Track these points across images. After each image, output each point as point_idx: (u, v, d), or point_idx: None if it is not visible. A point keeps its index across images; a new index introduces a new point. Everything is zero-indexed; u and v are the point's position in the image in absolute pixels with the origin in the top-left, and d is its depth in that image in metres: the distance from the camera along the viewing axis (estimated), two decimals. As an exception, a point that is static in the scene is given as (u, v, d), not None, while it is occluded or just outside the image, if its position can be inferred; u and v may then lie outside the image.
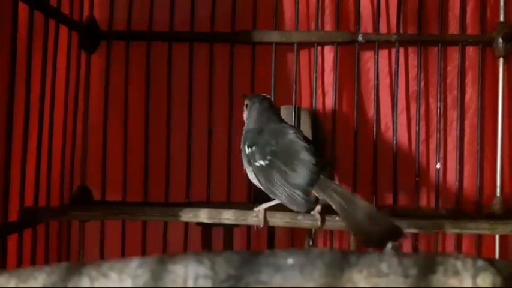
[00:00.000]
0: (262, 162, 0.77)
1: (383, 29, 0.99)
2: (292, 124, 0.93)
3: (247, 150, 0.81)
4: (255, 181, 0.80)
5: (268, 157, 0.77)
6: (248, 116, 0.85)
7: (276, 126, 0.81)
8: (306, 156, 0.74)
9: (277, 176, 0.75)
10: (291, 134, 0.78)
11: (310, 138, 0.93)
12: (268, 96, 0.87)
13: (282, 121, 0.84)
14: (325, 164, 0.75)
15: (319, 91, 1.00)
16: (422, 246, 0.97)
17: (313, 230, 0.89)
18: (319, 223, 0.78)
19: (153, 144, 0.99)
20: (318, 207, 0.78)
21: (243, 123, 0.97)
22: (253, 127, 0.83)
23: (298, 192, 0.73)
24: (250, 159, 0.80)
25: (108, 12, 1.00)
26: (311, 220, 0.79)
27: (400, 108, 0.99)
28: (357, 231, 0.69)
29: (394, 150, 0.97)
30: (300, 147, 0.76)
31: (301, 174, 0.73)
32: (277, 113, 0.86)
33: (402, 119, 0.99)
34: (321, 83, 1.00)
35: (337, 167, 0.99)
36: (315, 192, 0.74)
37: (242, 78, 0.99)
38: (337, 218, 0.83)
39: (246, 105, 0.86)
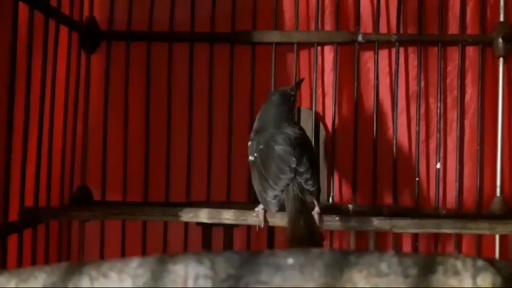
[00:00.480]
0: (251, 157, 0.80)
1: (383, 29, 0.99)
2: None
3: (249, 144, 0.83)
4: None
5: (255, 154, 0.79)
6: (262, 109, 0.86)
7: (275, 125, 0.81)
8: (281, 162, 0.75)
9: (256, 173, 0.78)
10: (281, 138, 0.78)
11: (311, 138, 0.94)
12: (286, 91, 0.86)
13: (289, 122, 0.83)
14: (306, 172, 0.75)
15: (319, 91, 1.00)
16: (422, 246, 0.97)
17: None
18: (317, 223, 0.78)
19: (153, 144, 0.99)
20: (317, 208, 0.78)
21: (243, 122, 0.98)
22: (258, 122, 0.84)
23: (268, 193, 0.75)
24: (248, 152, 0.81)
25: (108, 12, 1.00)
26: (310, 220, 0.79)
27: (400, 108, 0.99)
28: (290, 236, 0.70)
29: (394, 150, 0.97)
30: (282, 153, 0.76)
31: (272, 178, 0.74)
32: (285, 110, 0.84)
33: (402, 119, 0.99)
34: (321, 83, 1.00)
35: (334, 171, 0.99)
36: (283, 197, 0.74)
37: (242, 78, 0.99)
38: (337, 219, 0.83)
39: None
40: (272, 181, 0.74)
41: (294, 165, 0.74)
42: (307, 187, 0.74)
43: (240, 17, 1.00)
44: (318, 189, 0.78)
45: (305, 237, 0.67)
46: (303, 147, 0.78)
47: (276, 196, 0.74)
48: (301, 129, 0.83)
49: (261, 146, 0.79)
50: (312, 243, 0.66)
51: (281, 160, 0.75)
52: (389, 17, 0.99)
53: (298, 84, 0.92)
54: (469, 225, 0.83)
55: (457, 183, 0.96)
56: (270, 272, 0.38)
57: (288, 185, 0.74)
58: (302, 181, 0.74)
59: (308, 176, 0.74)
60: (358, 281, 0.38)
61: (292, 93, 0.86)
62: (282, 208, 0.75)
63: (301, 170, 0.74)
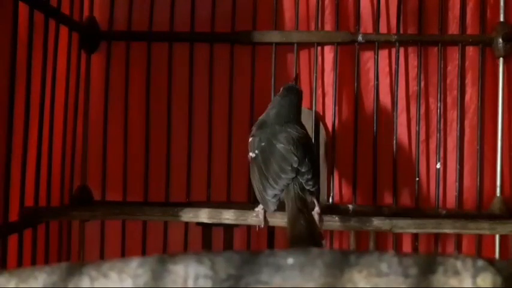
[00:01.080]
0: (252, 154, 0.79)
1: (383, 29, 0.99)
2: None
3: (250, 139, 0.82)
4: None
5: (256, 151, 0.78)
6: (269, 105, 0.86)
7: (279, 121, 0.81)
8: (283, 161, 0.75)
9: (256, 171, 0.77)
10: (283, 136, 0.77)
11: (312, 138, 0.93)
12: (295, 89, 0.86)
13: (292, 120, 0.83)
14: (307, 172, 0.75)
15: (319, 91, 1.00)
16: (422, 246, 0.97)
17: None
18: (317, 223, 0.78)
19: (153, 144, 0.99)
20: (317, 208, 0.78)
21: (243, 123, 0.98)
22: (263, 118, 0.84)
23: (268, 191, 0.74)
24: (249, 148, 0.81)
25: (108, 13, 1.00)
26: (310, 220, 0.79)
27: (400, 108, 0.99)
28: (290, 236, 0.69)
29: (394, 150, 0.97)
30: (284, 151, 0.76)
31: (273, 177, 0.74)
32: (291, 110, 0.84)
33: (402, 119, 0.99)
34: (321, 83, 1.00)
35: (334, 171, 0.99)
36: (282, 196, 0.74)
37: (242, 78, 0.99)
38: (337, 219, 0.83)
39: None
40: (272, 180, 0.74)
41: (296, 165, 0.74)
42: (308, 187, 0.74)
43: (240, 17, 1.00)
44: (318, 190, 0.78)
45: (305, 236, 0.67)
46: (304, 147, 0.77)
47: (275, 195, 0.74)
48: (304, 128, 0.83)
49: (263, 144, 0.78)
50: (311, 242, 0.66)
51: (283, 159, 0.75)
52: (389, 17, 1.00)
53: (296, 80, 0.91)
54: (469, 225, 0.83)
55: (457, 183, 0.96)
56: (270, 272, 0.38)
57: (288, 184, 0.74)
58: (303, 181, 0.74)
59: (309, 176, 0.74)
60: (358, 281, 0.38)
61: (298, 88, 0.86)
62: (280, 207, 0.75)
63: (303, 170, 0.74)
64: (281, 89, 0.87)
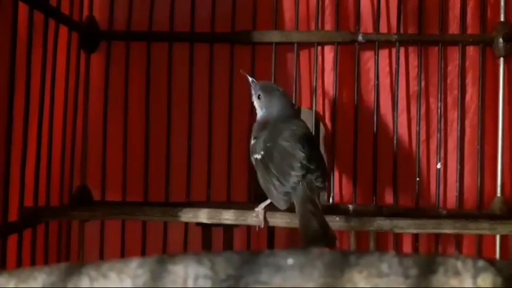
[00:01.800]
0: (257, 156, 0.79)
1: (383, 29, 0.99)
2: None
3: (252, 142, 0.82)
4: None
5: (262, 152, 0.78)
6: (261, 106, 0.85)
7: (280, 122, 0.81)
8: (291, 159, 0.75)
9: (264, 172, 0.77)
10: (288, 134, 0.77)
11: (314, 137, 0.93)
12: (280, 89, 0.86)
13: (292, 117, 0.83)
14: (316, 169, 0.75)
15: (319, 91, 1.00)
16: (422, 246, 0.97)
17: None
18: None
19: (153, 144, 0.99)
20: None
21: (243, 123, 0.97)
22: (262, 119, 0.84)
23: (278, 189, 0.74)
24: (252, 151, 0.81)
25: (108, 12, 1.00)
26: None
27: (400, 108, 0.98)
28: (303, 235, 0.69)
29: (394, 150, 0.97)
30: (291, 149, 0.75)
31: (283, 175, 0.74)
32: (289, 107, 0.85)
33: (402, 119, 0.99)
34: (321, 83, 1.00)
35: (334, 171, 0.99)
36: (294, 193, 0.74)
37: (242, 78, 0.99)
38: (337, 219, 0.83)
39: (259, 95, 0.85)
40: (282, 178, 0.74)
41: (304, 162, 0.74)
42: (318, 183, 0.74)
43: (240, 17, 1.00)
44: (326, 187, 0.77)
45: (319, 236, 0.66)
46: (310, 143, 0.78)
47: (286, 193, 0.74)
48: (304, 124, 0.84)
49: (268, 144, 0.78)
50: (325, 243, 0.65)
51: (290, 156, 0.75)
52: (390, 16, 0.99)
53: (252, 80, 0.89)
54: (469, 225, 0.83)
55: (458, 183, 0.96)
56: (270, 272, 0.38)
57: (298, 182, 0.73)
58: (313, 178, 0.74)
59: (319, 173, 0.74)
60: (358, 281, 0.38)
61: (281, 90, 0.85)
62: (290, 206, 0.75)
63: (312, 167, 0.74)
64: (264, 93, 0.85)
